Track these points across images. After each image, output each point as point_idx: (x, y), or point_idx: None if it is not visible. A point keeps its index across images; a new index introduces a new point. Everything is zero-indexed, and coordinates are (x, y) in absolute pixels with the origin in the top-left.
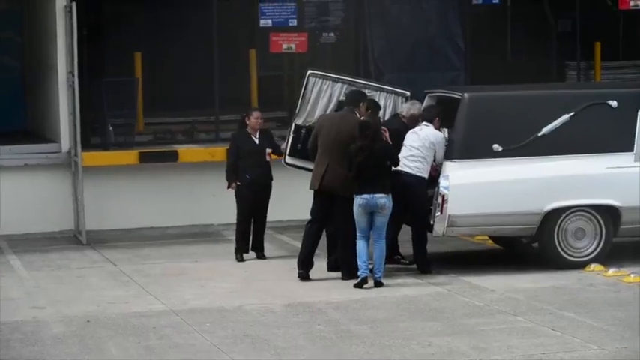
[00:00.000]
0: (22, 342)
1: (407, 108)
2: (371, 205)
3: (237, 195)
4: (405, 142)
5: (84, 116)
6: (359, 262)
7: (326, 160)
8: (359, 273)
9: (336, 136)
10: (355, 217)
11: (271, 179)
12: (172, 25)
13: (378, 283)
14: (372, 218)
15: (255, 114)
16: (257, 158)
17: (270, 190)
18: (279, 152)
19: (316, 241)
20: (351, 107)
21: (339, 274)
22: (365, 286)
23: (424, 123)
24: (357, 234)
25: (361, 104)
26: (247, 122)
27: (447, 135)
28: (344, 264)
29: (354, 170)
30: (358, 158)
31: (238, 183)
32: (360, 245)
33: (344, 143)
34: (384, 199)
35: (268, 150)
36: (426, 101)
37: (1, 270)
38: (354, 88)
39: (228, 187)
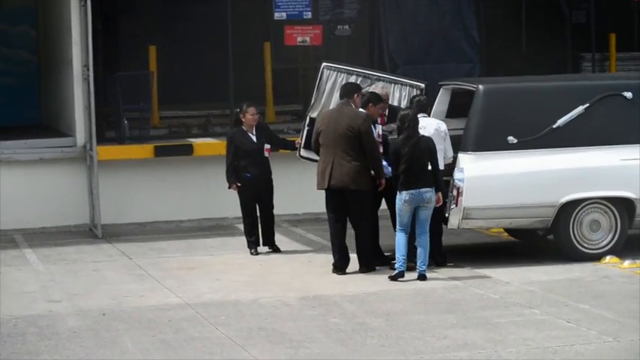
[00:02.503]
0: (38, 336)
1: (380, 89)
2: (417, 200)
3: (239, 194)
4: None
5: (99, 110)
6: (397, 256)
7: (330, 157)
8: (396, 266)
9: (335, 130)
10: (397, 212)
11: (271, 174)
12: (187, 18)
13: (422, 277)
14: (414, 212)
15: (251, 110)
16: (256, 156)
17: (272, 184)
18: (280, 146)
19: (344, 238)
20: (346, 99)
21: (355, 267)
22: (400, 279)
23: (422, 115)
24: (397, 227)
25: (355, 95)
26: (243, 119)
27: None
28: (362, 257)
29: (403, 163)
30: (405, 149)
31: (239, 184)
32: (400, 238)
33: (344, 136)
34: (429, 193)
35: (267, 146)
36: (441, 93)
37: (16, 264)
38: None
39: (229, 188)
